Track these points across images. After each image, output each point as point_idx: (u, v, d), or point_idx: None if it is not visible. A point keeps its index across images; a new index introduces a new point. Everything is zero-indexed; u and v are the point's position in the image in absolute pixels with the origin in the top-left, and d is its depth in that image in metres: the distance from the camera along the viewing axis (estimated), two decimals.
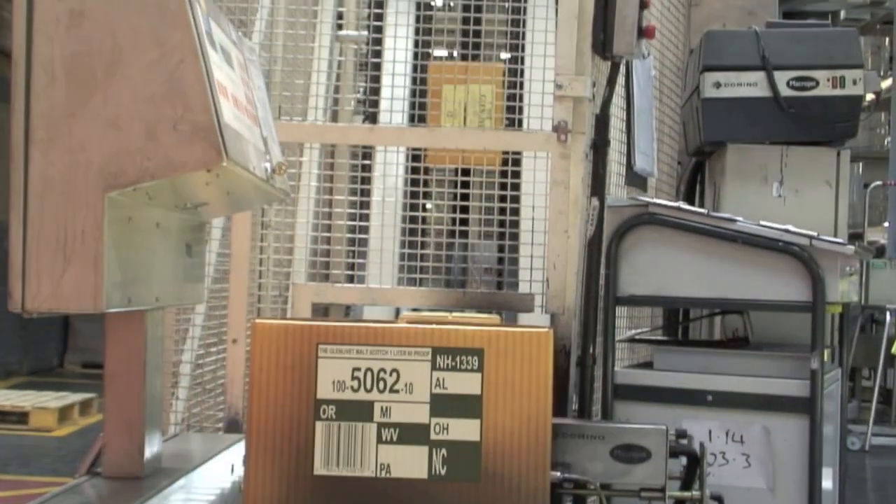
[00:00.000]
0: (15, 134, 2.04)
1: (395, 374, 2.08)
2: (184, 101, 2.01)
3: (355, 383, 2.08)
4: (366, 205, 4.53)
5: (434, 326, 2.16)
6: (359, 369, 2.08)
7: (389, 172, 4.60)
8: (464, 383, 2.08)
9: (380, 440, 2.07)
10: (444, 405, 2.06)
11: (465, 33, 4.63)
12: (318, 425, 2.09)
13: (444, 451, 2.06)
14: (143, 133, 2.01)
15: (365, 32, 5.00)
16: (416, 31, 4.87)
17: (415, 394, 2.06)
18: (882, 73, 18.01)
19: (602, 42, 4.17)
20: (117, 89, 2.02)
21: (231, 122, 2.15)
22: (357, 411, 2.07)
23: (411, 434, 2.05)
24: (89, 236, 2.00)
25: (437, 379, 2.08)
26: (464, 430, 2.06)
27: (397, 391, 2.07)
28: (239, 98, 2.35)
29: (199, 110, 2.02)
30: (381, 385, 2.08)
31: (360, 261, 4.41)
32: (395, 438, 2.06)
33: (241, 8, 4.62)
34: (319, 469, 2.11)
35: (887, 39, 18.67)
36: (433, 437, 2.06)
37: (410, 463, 2.05)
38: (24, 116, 2.02)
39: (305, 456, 2.10)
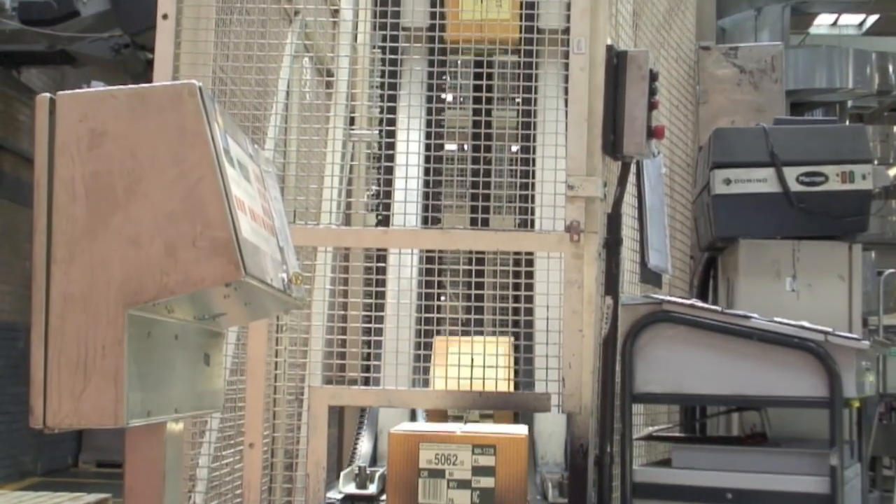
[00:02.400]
0: (37, 253, 2.06)
1: (455, 455, 3.86)
2: (203, 217, 2.04)
3: (437, 460, 3.87)
4: (380, 306, 4.56)
5: (473, 433, 3.96)
6: (438, 453, 3.87)
7: (403, 274, 4.62)
8: (487, 460, 3.87)
9: (448, 486, 3.85)
10: (478, 470, 3.85)
11: (476, 128, 4.69)
12: (420, 481, 3.87)
13: (477, 492, 3.85)
14: (163, 250, 2.04)
15: (377, 130, 5.09)
16: (429, 127, 4.94)
17: (464, 465, 3.87)
18: (891, 161, 18.08)
19: (612, 143, 4.27)
20: (137, 207, 2.05)
21: (248, 237, 2.17)
22: (438, 472, 3.86)
23: (462, 484, 3.84)
24: (110, 352, 2.02)
25: (475, 458, 3.86)
26: (486, 482, 3.86)
27: (456, 464, 3.87)
28: (256, 211, 2.38)
29: (218, 226, 2.05)
30: (449, 461, 3.87)
31: (376, 363, 4.41)
32: (455, 486, 3.85)
33: (255, 114, 4.70)
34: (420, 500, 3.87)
35: (895, 128, 18.79)
36: (472, 485, 3.85)
37: (461, 498, 3.85)
38: (45, 236, 2.04)
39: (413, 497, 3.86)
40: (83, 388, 2.02)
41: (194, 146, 2.06)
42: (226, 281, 2.05)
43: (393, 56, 4.73)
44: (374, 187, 5.00)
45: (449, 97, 5.39)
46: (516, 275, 4.41)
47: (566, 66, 4.34)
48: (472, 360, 4.20)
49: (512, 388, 4.26)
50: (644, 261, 4.84)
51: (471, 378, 4.17)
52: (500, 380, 4.19)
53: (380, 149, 4.88)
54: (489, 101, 4.83)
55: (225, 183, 2.07)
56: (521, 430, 4.08)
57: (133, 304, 2.03)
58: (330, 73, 5.28)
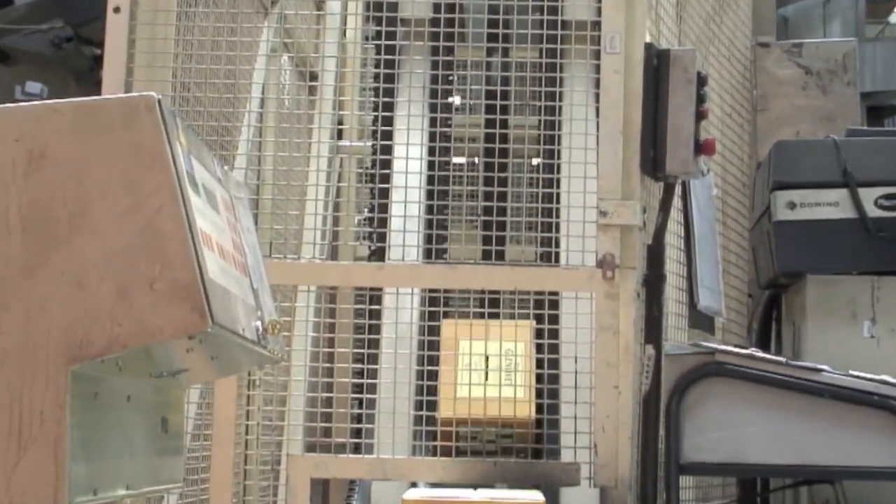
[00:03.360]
0: None
1: None
2: (162, 255, 2.05)
3: None
4: (374, 357, 4.57)
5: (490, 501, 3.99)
6: None
7: (402, 317, 4.64)
8: None
9: None
10: None
11: (488, 139, 4.76)
12: None
13: None
14: (114, 293, 2.04)
15: (370, 143, 5.13)
16: (432, 138, 5.00)
17: None
18: None
19: (653, 160, 4.31)
20: (84, 242, 2.05)
21: (217, 278, 2.18)
22: None
23: None
24: (49, 418, 2.02)
25: None
26: None
27: None
28: (225, 246, 2.39)
29: (180, 266, 2.05)
30: None
31: (369, 425, 4.41)
32: None
33: (224, 126, 4.72)
34: None
35: None
36: None
37: None
38: None
39: None
40: (17, 460, 2.02)
41: (152, 170, 2.07)
42: (189, 332, 2.06)
43: (389, 55, 4.76)
44: (367, 212, 5.02)
45: (457, 101, 5.44)
46: (537, 318, 4.42)
47: (597, 68, 4.38)
48: (487, 372, 4.27)
49: (533, 413, 4.32)
50: (692, 301, 4.85)
51: (484, 399, 4.26)
52: (519, 401, 4.22)
53: (373, 165, 4.92)
54: (505, 107, 4.87)
55: (189, 213, 2.08)
56: (538, 498, 4.06)
57: (77, 360, 2.03)
58: (314, 76, 5.33)
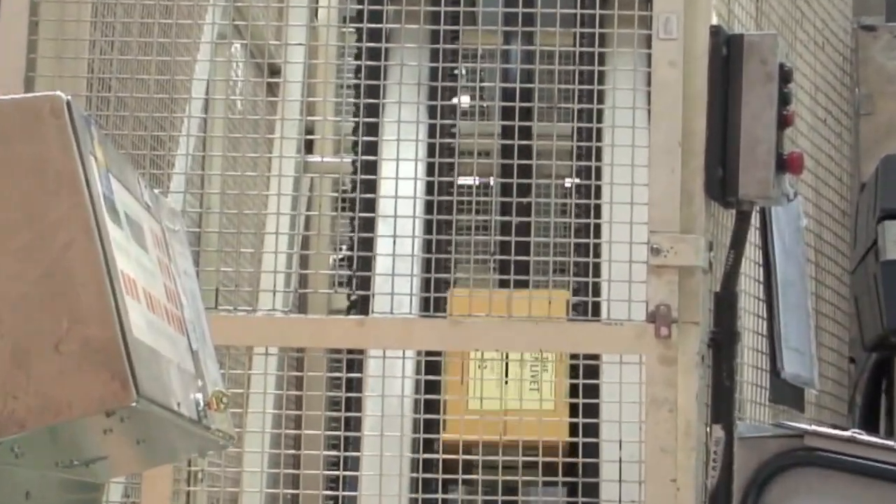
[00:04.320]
0: None
1: None
2: (71, 306, 2.04)
3: None
4: (355, 441, 4.58)
5: None
6: None
7: (391, 388, 4.63)
8: None
9: None
10: None
11: (506, 152, 4.75)
12: None
13: None
14: (8, 358, 2.04)
15: (349, 158, 5.11)
16: (431, 152, 5.02)
17: None
18: None
19: (721, 181, 4.31)
20: None
21: (143, 336, 2.17)
22: None
23: None
24: None
25: None
26: None
27: None
28: (155, 294, 2.38)
29: (95, 321, 2.04)
30: None
31: None
32: None
33: (156, 137, 4.72)
34: None
35: None
36: None
37: None
38: None
39: None
40: None
41: (59, 194, 2.07)
42: (107, 407, 2.06)
43: (375, 42, 4.78)
44: (345, 249, 5.00)
45: (464, 103, 5.45)
46: (571, 390, 4.41)
47: (648, 59, 4.40)
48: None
49: (564, 435, 4.38)
50: (775, 368, 4.83)
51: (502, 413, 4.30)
52: (545, 415, 4.28)
53: (353, 188, 4.89)
54: (527, 111, 4.89)
55: (106, 251, 2.08)
56: None
57: None
58: (275, 69, 5.35)
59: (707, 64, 4.35)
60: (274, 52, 5.40)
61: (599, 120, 4.58)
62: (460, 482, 4.59)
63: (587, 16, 4.59)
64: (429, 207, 4.78)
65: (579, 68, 4.51)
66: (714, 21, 4.43)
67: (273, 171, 4.95)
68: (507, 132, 4.84)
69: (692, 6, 4.37)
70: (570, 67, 4.55)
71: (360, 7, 4.85)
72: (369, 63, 4.80)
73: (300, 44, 5.06)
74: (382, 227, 4.72)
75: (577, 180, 5.01)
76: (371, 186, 4.83)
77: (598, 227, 4.63)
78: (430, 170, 4.87)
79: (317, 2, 5.28)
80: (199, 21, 4.97)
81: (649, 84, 4.39)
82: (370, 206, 4.79)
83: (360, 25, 4.87)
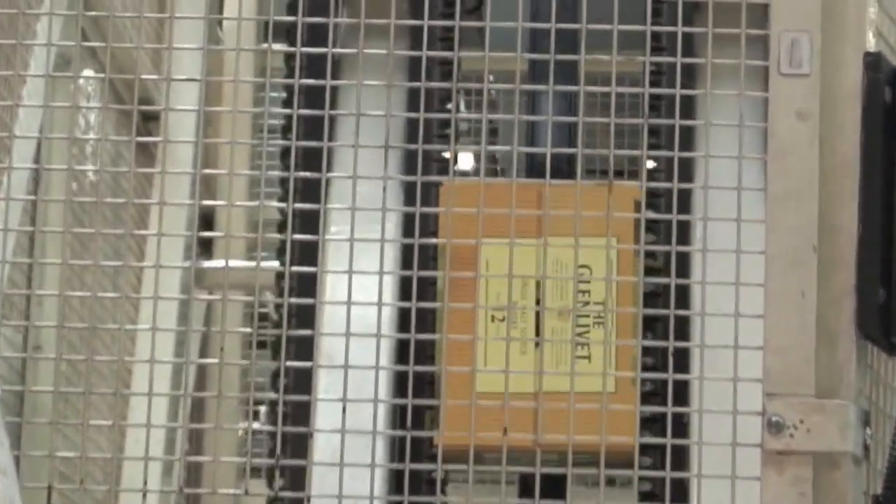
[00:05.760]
0: None
1: None
2: None
3: None
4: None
5: None
6: None
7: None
8: None
9: None
10: None
11: None
12: None
13: None
14: None
15: (272, 263, 5.13)
16: (408, 259, 4.91)
17: None
18: None
19: (883, 310, 4.25)
20: None
21: None
22: None
23: None
24: None
25: None
26: None
27: None
28: None
29: None
30: None
31: None
32: None
33: None
34: None
35: None
36: None
37: None
38: None
39: None
40: None
41: None
42: None
43: (318, 47, 4.76)
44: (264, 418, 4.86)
45: (461, 164, 5.50)
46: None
47: (764, 108, 4.35)
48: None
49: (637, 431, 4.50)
50: None
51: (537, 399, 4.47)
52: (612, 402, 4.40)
53: (279, 319, 4.90)
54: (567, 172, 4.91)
55: None
56: None
57: None
58: (152, 117, 5.27)
59: (860, 112, 4.27)
60: (151, 88, 5.25)
61: (684, 209, 4.58)
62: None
63: (665, 35, 4.61)
64: (402, 353, 4.68)
65: (649, 122, 4.38)
66: (871, 44, 4.34)
67: (145, 287, 4.79)
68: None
69: (834, 21, 4.30)
70: (631, 122, 4.43)
71: (294, 19, 4.70)
72: (305, 112, 4.82)
73: (192, 79, 4.90)
74: (326, 381, 4.74)
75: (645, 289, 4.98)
76: (307, 316, 4.80)
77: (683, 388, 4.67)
78: (404, 290, 4.76)
79: (220, 9, 5.14)
80: (24, 42, 4.84)
81: (764, 149, 4.31)
82: (307, 348, 4.73)
83: (294, 49, 4.71)
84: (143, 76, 5.11)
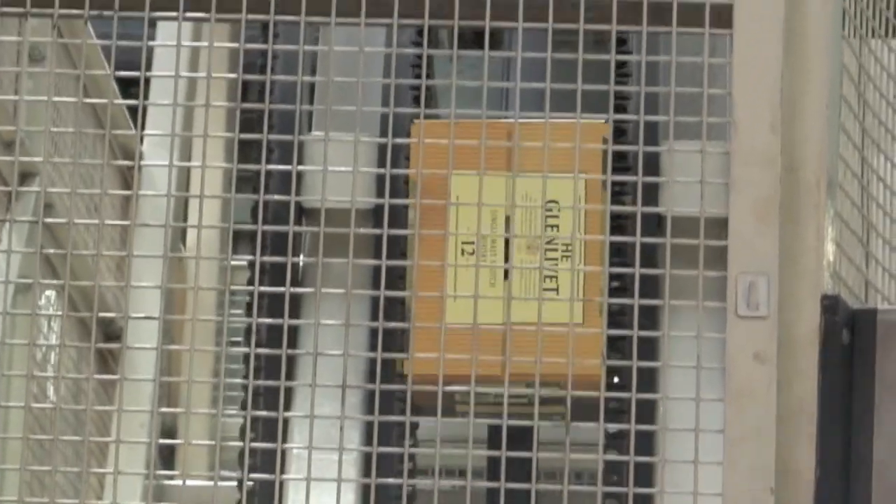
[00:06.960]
0: None
1: None
2: None
3: None
4: None
5: None
6: None
7: None
8: None
9: None
10: None
11: None
12: None
13: None
14: None
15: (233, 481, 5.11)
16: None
17: None
18: None
19: None
20: None
21: None
22: None
23: None
24: None
25: None
26: None
27: None
28: None
29: None
30: None
31: None
32: None
33: None
34: None
35: None
36: None
37: None
38: None
39: None
40: None
41: None
42: None
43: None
44: None
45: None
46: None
47: (721, 350, 4.34)
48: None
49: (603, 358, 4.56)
50: None
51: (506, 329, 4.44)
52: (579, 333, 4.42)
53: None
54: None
55: None
56: None
57: None
58: (114, 336, 5.37)
59: (818, 357, 4.27)
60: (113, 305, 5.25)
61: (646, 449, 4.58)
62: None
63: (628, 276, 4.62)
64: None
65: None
66: (829, 286, 4.35)
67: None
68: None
69: (792, 263, 4.33)
70: None
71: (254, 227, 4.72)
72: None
73: (155, 286, 4.89)
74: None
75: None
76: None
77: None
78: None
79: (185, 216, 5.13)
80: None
81: (723, 393, 4.31)
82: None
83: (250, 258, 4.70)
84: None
